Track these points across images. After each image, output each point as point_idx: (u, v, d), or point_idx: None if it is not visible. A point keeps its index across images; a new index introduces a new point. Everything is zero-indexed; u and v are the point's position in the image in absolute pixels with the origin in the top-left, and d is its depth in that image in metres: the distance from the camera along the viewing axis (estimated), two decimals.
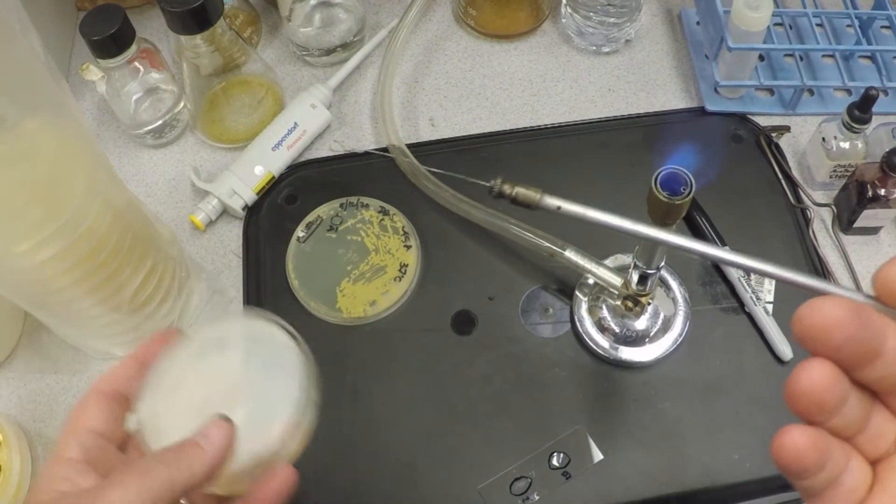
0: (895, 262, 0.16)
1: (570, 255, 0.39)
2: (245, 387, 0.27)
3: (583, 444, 0.38)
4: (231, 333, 0.28)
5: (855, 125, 0.42)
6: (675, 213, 0.30)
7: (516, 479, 0.37)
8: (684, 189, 0.30)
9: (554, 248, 0.40)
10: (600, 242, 0.42)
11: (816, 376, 0.16)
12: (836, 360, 0.16)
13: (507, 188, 0.27)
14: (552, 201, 0.26)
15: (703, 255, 0.24)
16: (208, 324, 0.29)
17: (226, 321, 0.29)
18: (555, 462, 0.38)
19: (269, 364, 0.27)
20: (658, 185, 0.30)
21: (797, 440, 0.16)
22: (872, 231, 0.45)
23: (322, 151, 0.48)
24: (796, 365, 0.17)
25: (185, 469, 0.23)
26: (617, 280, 0.38)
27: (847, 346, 0.16)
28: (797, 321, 0.16)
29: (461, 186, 0.43)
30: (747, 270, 0.21)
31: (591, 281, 0.41)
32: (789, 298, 0.42)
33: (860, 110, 0.42)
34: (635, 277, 0.37)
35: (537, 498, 0.37)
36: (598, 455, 0.38)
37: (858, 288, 0.44)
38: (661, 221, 0.31)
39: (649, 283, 0.37)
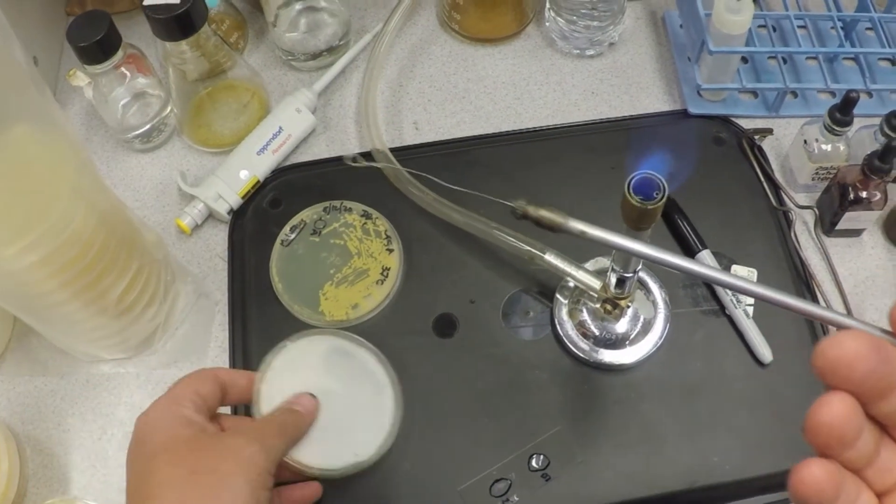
0: None
1: (550, 258, 0.40)
2: (346, 401, 0.35)
3: (562, 446, 0.38)
4: (352, 350, 0.36)
5: (836, 128, 0.43)
6: (649, 217, 0.31)
7: (496, 481, 0.38)
8: (657, 194, 0.30)
9: (534, 251, 0.40)
10: (581, 246, 0.42)
11: (837, 409, 0.17)
12: (853, 393, 0.17)
13: (530, 210, 0.27)
14: (576, 225, 0.26)
15: (738, 289, 0.24)
16: (335, 332, 0.37)
17: (352, 339, 0.36)
18: (534, 464, 0.38)
19: (371, 393, 0.36)
20: (631, 190, 0.30)
21: (816, 474, 0.17)
22: (855, 233, 0.45)
23: (307, 155, 0.48)
24: (817, 399, 0.17)
25: (294, 422, 0.32)
26: (596, 283, 0.39)
27: (867, 380, 0.17)
28: (819, 355, 0.17)
29: (444, 191, 0.43)
30: (773, 303, 0.22)
31: (571, 284, 0.41)
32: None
33: (841, 113, 0.42)
34: (613, 280, 0.37)
35: (517, 499, 0.37)
36: (578, 457, 0.38)
37: (840, 290, 0.44)
38: (635, 226, 0.32)
39: (627, 285, 0.37)
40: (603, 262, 0.42)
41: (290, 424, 0.32)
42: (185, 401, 0.31)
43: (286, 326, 0.42)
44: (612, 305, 0.39)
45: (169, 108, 0.48)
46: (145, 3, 0.41)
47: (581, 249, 0.42)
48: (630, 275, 0.36)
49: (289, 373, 0.35)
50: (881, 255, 0.45)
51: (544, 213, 0.26)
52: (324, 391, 0.35)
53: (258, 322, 0.42)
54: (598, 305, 0.39)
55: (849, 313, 0.43)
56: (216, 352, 0.43)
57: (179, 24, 0.41)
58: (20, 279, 0.34)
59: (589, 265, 0.42)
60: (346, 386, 0.36)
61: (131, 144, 0.49)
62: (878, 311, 0.43)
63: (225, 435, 0.31)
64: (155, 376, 0.42)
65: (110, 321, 0.39)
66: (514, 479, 0.38)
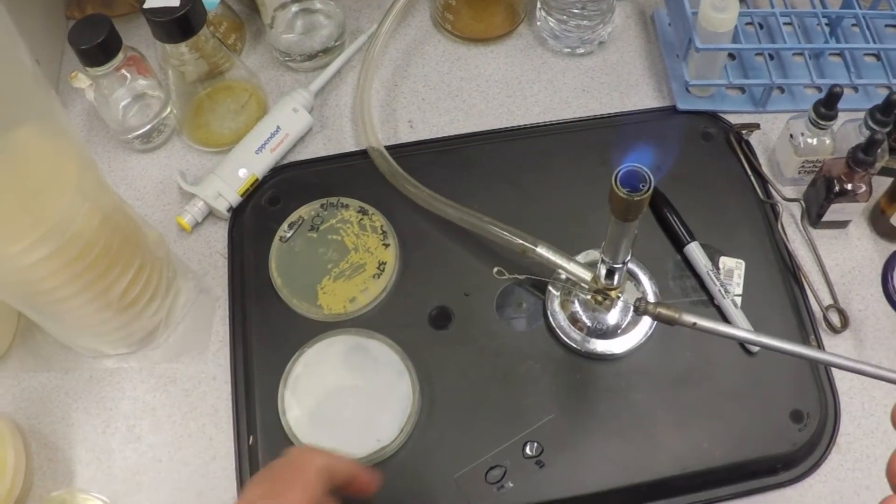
0: None
1: (542, 251, 0.41)
2: (367, 392, 0.39)
3: (556, 434, 0.39)
4: (376, 348, 0.40)
5: (821, 122, 0.44)
6: (635, 209, 0.32)
7: (491, 468, 0.39)
8: (643, 186, 0.31)
9: (526, 244, 0.41)
10: (572, 238, 0.43)
11: None
12: None
13: (650, 307, 0.32)
14: (688, 318, 0.31)
15: (828, 363, 0.29)
16: (347, 329, 0.41)
17: (366, 333, 0.41)
18: (528, 451, 0.39)
19: (389, 382, 0.39)
20: (618, 183, 0.31)
21: None
22: (841, 225, 0.46)
23: (304, 154, 0.49)
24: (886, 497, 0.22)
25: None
26: (587, 275, 0.40)
27: None
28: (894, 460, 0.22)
29: (438, 186, 0.44)
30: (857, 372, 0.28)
31: (563, 276, 0.42)
32: (757, 293, 0.43)
33: (825, 107, 0.43)
34: (603, 272, 0.38)
35: (511, 485, 0.38)
36: (571, 445, 0.39)
37: (827, 280, 0.45)
38: (623, 217, 0.33)
39: (617, 277, 0.38)
40: (594, 254, 0.43)
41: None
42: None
43: (285, 321, 0.43)
44: (603, 296, 0.40)
45: (169, 109, 0.49)
46: (145, 6, 0.42)
47: (572, 242, 0.43)
48: (619, 265, 0.37)
49: (310, 376, 0.39)
50: (867, 247, 0.46)
51: (662, 311, 0.31)
52: (345, 387, 0.39)
53: (258, 317, 0.43)
54: (588, 296, 0.40)
55: (836, 302, 0.44)
56: (217, 346, 0.43)
57: (179, 27, 0.42)
58: (26, 276, 0.35)
59: (580, 257, 0.43)
60: (365, 378, 0.39)
61: (132, 145, 0.50)
62: (863, 300, 0.44)
63: None
64: (157, 370, 0.43)
65: (114, 316, 0.40)
66: (509, 466, 0.39)
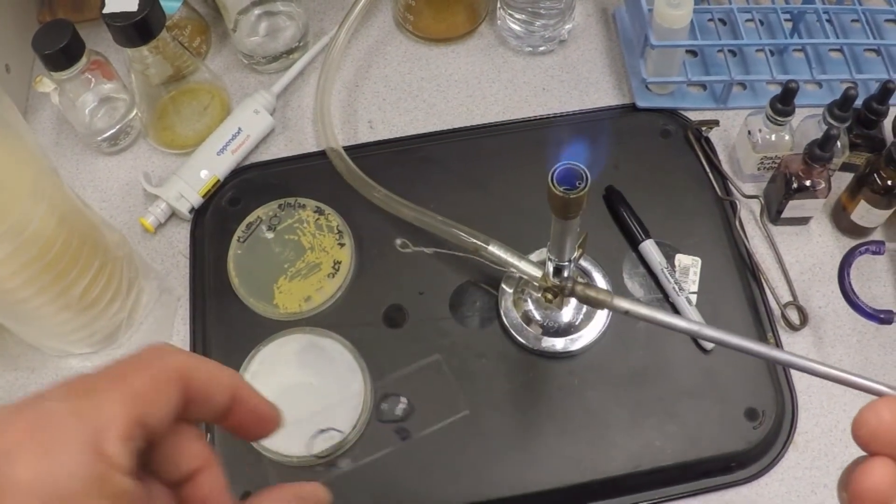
0: None
1: (494, 249, 0.41)
2: (322, 390, 0.40)
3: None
4: (330, 346, 0.41)
5: (778, 118, 0.43)
6: (574, 206, 0.32)
7: None
8: (580, 183, 0.31)
9: (478, 242, 0.41)
10: (529, 236, 0.43)
11: (879, 474, 0.18)
12: (891, 455, 0.18)
13: (578, 288, 0.29)
14: (621, 304, 0.28)
15: (750, 352, 0.27)
16: (302, 328, 0.41)
17: (320, 332, 0.41)
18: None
19: (342, 379, 0.40)
20: (554, 181, 0.31)
21: None
22: (802, 221, 0.46)
23: (266, 155, 0.50)
24: (859, 465, 0.19)
25: None
26: (537, 272, 0.40)
27: None
28: (861, 425, 0.18)
29: (396, 186, 0.45)
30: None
31: (516, 274, 0.42)
32: (714, 290, 0.43)
33: (782, 103, 0.43)
34: (551, 269, 0.38)
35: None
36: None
37: (786, 277, 0.44)
38: (563, 215, 0.33)
39: (565, 274, 0.38)
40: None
41: None
42: (116, 445, 0.17)
43: (242, 320, 0.43)
44: (553, 294, 0.40)
45: (134, 112, 0.50)
46: (104, 11, 0.42)
47: (530, 240, 0.43)
48: (566, 263, 0.37)
49: (265, 375, 0.40)
50: (828, 243, 0.46)
51: (591, 294, 0.29)
52: (300, 385, 0.39)
53: (216, 316, 0.44)
54: (539, 294, 0.40)
55: (795, 299, 0.44)
56: (178, 345, 0.44)
57: (138, 31, 0.43)
58: None
59: (534, 255, 0.43)
60: (319, 376, 0.40)
61: (100, 147, 0.50)
62: (824, 297, 0.44)
63: None
64: None
65: (75, 316, 0.41)
66: None
